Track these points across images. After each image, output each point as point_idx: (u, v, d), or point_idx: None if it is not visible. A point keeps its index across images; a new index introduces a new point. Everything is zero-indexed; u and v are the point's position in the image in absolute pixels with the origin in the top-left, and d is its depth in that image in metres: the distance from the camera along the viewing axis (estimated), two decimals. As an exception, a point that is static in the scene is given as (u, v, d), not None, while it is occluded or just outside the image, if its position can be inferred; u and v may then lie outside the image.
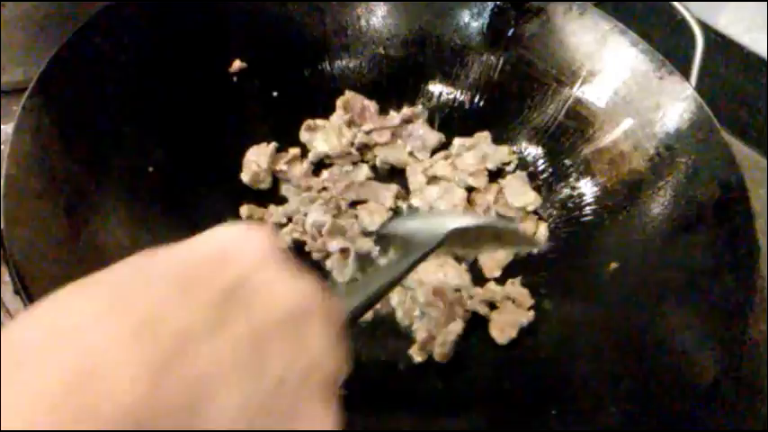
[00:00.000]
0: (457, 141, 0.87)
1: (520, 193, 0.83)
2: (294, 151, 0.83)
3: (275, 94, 0.87)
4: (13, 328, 0.26)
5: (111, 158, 0.72)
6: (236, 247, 0.31)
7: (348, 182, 0.81)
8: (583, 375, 0.67)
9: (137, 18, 0.77)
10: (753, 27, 1.08)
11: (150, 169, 0.75)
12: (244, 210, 0.79)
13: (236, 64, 0.84)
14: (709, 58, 0.81)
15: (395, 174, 0.86)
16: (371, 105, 0.87)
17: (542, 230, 0.81)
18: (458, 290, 0.75)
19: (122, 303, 0.27)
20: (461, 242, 0.66)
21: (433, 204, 0.82)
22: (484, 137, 0.87)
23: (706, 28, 0.84)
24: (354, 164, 0.84)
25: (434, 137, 0.87)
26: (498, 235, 0.69)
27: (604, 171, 0.81)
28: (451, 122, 0.90)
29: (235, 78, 0.85)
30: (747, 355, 0.77)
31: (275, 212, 0.79)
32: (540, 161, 0.86)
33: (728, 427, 0.73)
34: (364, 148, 0.86)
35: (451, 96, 0.91)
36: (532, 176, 0.85)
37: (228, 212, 0.78)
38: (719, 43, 1.09)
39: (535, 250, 0.79)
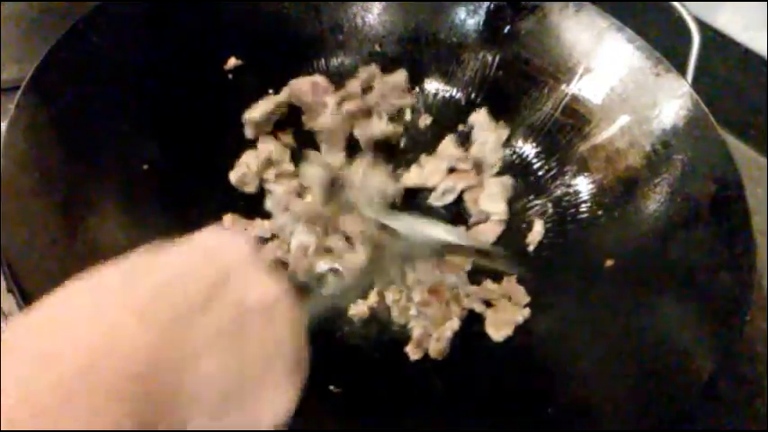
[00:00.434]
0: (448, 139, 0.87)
1: (493, 200, 0.82)
2: (287, 167, 0.82)
3: (271, 91, 0.87)
4: (47, 302, 0.33)
5: (106, 156, 0.72)
6: (222, 248, 0.39)
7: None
8: (579, 373, 0.67)
9: (132, 15, 0.77)
10: (750, 25, 1.08)
11: (145, 167, 0.75)
12: (227, 219, 0.77)
13: (232, 61, 0.84)
14: (706, 56, 0.81)
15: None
16: (319, 79, 0.86)
17: (538, 227, 0.81)
18: (454, 288, 0.75)
19: (132, 286, 0.34)
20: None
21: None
22: (482, 113, 0.87)
23: (703, 25, 0.84)
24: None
25: (401, 76, 0.86)
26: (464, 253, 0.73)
27: (600, 168, 0.81)
28: (447, 120, 0.90)
29: (230, 75, 0.84)
30: (746, 353, 0.78)
31: (260, 226, 0.78)
32: (537, 158, 0.86)
33: (728, 426, 0.73)
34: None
35: (447, 94, 0.91)
36: (528, 174, 0.85)
37: (223, 210, 0.78)
38: (716, 41, 1.09)
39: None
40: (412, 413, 0.67)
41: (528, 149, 0.86)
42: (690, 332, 0.65)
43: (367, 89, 0.87)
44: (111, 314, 0.32)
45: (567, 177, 0.83)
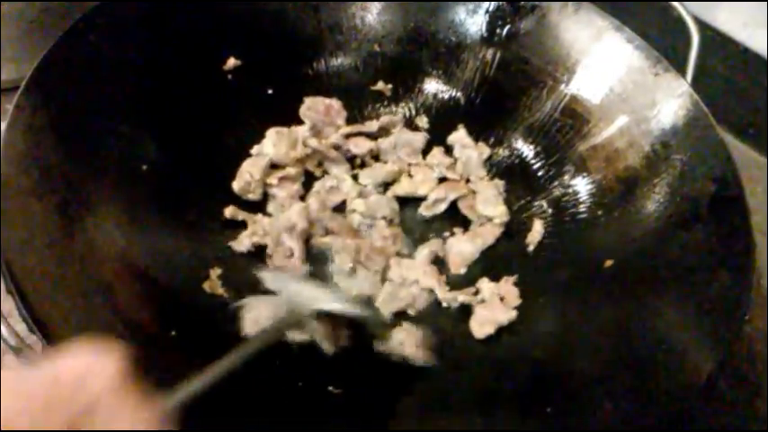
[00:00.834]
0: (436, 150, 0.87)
1: (491, 204, 0.83)
2: (290, 171, 0.82)
3: (270, 91, 0.87)
4: None
5: (105, 157, 0.72)
6: (93, 373, 0.36)
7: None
8: (578, 373, 0.67)
9: (131, 16, 0.77)
10: (750, 24, 1.08)
11: (144, 168, 0.75)
12: (228, 211, 0.78)
13: (231, 61, 0.84)
14: (706, 55, 0.81)
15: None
16: (335, 103, 0.87)
17: (537, 228, 0.81)
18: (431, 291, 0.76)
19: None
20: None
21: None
22: (461, 130, 0.88)
23: (702, 25, 0.84)
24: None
25: (420, 138, 0.87)
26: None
27: (600, 168, 0.81)
28: (446, 120, 0.90)
29: (230, 76, 0.84)
30: (745, 353, 0.78)
31: (260, 222, 0.78)
32: (536, 159, 0.86)
33: (727, 426, 0.73)
34: (341, 149, 0.85)
35: (447, 94, 0.91)
36: (527, 174, 0.85)
37: (221, 209, 0.78)
38: (716, 40, 1.09)
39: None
40: (411, 413, 0.67)
41: (527, 150, 0.86)
42: (689, 332, 0.65)
43: (382, 131, 0.87)
44: None
45: (566, 177, 0.83)
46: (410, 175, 0.86)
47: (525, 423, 0.65)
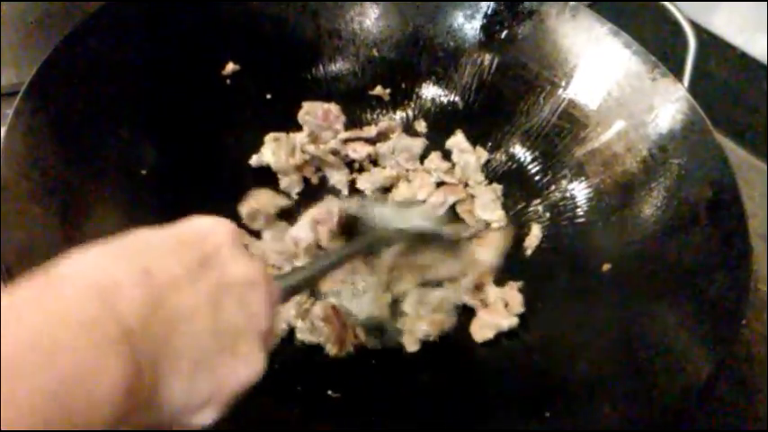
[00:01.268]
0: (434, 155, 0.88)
1: (489, 208, 0.83)
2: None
3: (269, 96, 0.87)
4: (57, 263, 0.36)
5: (104, 161, 0.72)
6: (211, 229, 0.43)
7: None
8: (577, 376, 0.67)
9: (130, 21, 0.78)
10: (747, 28, 1.09)
11: (144, 172, 0.75)
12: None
13: (230, 66, 0.84)
14: (703, 60, 0.81)
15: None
16: (333, 108, 0.87)
17: (535, 232, 0.81)
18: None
19: (134, 255, 0.38)
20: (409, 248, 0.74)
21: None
22: (459, 135, 0.88)
23: (699, 29, 0.85)
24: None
25: (418, 143, 0.88)
26: (444, 248, 0.75)
27: (597, 173, 0.81)
28: (444, 125, 0.90)
29: (228, 81, 0.85)
30: (744, 355, 0.78)
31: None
32: (533, 163, 0.86)
33: (726, 427, 0.73)
34: (339, 155, 0.86)
35: (445, 99, 0.91)
36: (525, 178, 0.86)
37: (220, 214, 0.78)
38: (713, 44, 1.09)
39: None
40: (411, 416, 0.67)
41: (525, 154, 0.87)
42: (687, 334, 0.65)
43: (381, 137, 0.88)
44: (112, 272, 0.36)
45: (563, 182, 0.83)
46: (408, 181, 0.86)
47: (525, 426, 0.65)
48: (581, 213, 0.81)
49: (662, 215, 0.74)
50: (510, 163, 0.87)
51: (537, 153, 0.86)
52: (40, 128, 0.66)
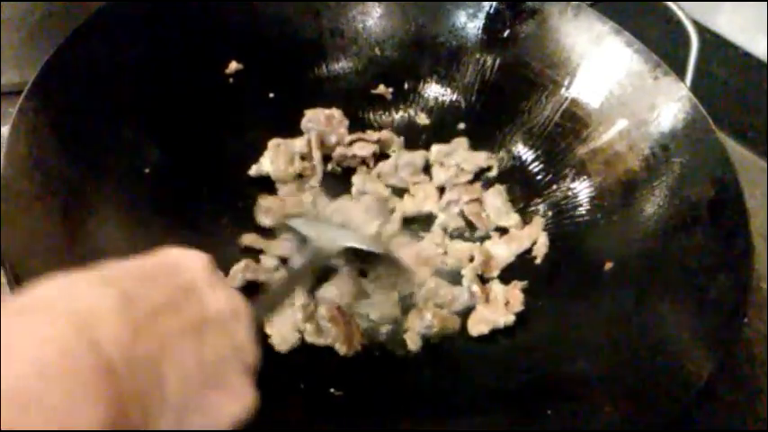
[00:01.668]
0: (435, 148, 0.87)
1: (503, 213, 0.83)
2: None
3: (272, 95, 0.87)
4: (30, 290, 0.34)
5: (107, 160, 0.72)
6: (186, 261, 0.42)
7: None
8: (579, 375, 0.67)
9: (133, 20, 0.78)
10: (749, 27, 1.09)
11: (146, 171, 0.75)
12: (246, 239, 0.77)
13: (233, 65, 0.85)
14: (705, 59, 0.81)
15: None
16: (335, 112, 0.86)
17: (543, 240, 0.81)
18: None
19: (112, 282, 0.35)
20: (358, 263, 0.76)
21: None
22: (461, 142, 0.88)
23: (701, 28, 0.84)
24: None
25: (419, 157, 0.87)
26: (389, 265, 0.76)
27: (600, 171, 0.81)
28: (447, 124, 0.90)
29: (231, 80, 0.85)
30: (744, 355, 0.78)
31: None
32: (536, 162, 0.86)
33: (726, 427, 0.73)
34: (345, 160, 0.86)
35: (447, 98, 0.91)
36: (527, 177, 0.86)
37: (222, 214, 0.79)
38: (715, 44, 1.09)
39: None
40: (412, 414, 0.67)
41: (527, 153, 0.87)
42: (688, 334, 0.65)
43: (381, 144, 0.87)
44: (89, 300, 0.34)
45: (566, 181, 0.83)
46: (411, 195, 0.85)
47: (526, 424, 0.65)
48: (583, 212, 0.81)
49: (664, 214, 0.74)
50: (512, 162, 0.87)
51: (539, 152, 0.86)
52: (42, 127, 0.66)
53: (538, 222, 0.82)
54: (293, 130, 0.85)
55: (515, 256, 0.80)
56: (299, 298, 0.72)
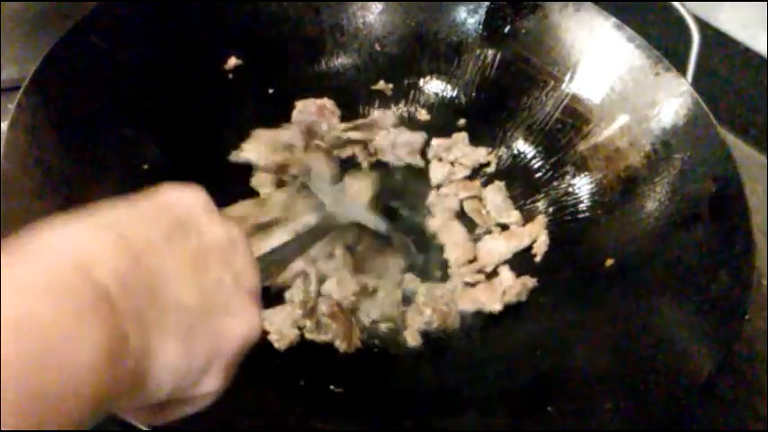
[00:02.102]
0: (434, 142, 0.87)
1: (503, 210, 0.83)
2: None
3: (271, 91, 0.87)
4: (27, 234, 0.34)
5: (106, 156, 0.72)
6: (182, 196, 0.42)
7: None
8: (578, 372, 0.67)
9: (132, 15, 0.77)
10: (750, 24, 1.08)
11: (145, 167, 0.75)
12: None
13: (232, 61, 0.84)
14: (706, 55, 0.81)
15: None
16: (327, 102, 0.86)
17: (543, 238, 0.81)
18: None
19: (109, 225, 0.36)
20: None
21: None
22: (461, 137, 0.88)
23: (703, 24, 0.84)
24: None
25: (419, 138, 0.87)
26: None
27: (600, 167, 0.81)
28: (447, 120, 0.90)
29: (230, 75, 0.85)
30: (745, 353, 0.78)
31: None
32: (536, 158, 0.86)
33: (727, 426, 0.73)
34: (338, 146, 0.86)
35: (447, 94, 0.91)
36: (528, 174, 0.86)
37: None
38: (716, 40, 1.09)
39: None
40: (412, 412, 0.67)
41: (527, 149, 0.87)
42: (689, 331, 0.65)
43: (375, 127, 0.88)
44: (84, 241, 0.34)
45: (566, 177, 0.83)
46: None
47: (526, 422, 0.65)
48: (584, 208, 0.81)
49: (665, 210, 0.74)
50: (512, 158, 0.87)
51: (540, 148, 0.86)
52: (41, 123, 0.66)
53: (540, 221, 0.81)
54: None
55: (513, 254, 0.80)
56: (299, 294, 0.72)
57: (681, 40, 0.81)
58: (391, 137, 0.86)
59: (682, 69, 0.79)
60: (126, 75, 0.76)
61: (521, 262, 0.80)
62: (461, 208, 0.84)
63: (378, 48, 0.91)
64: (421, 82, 0.92)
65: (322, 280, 0.74)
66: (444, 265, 0.80)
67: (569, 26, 0.85)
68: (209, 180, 0.77)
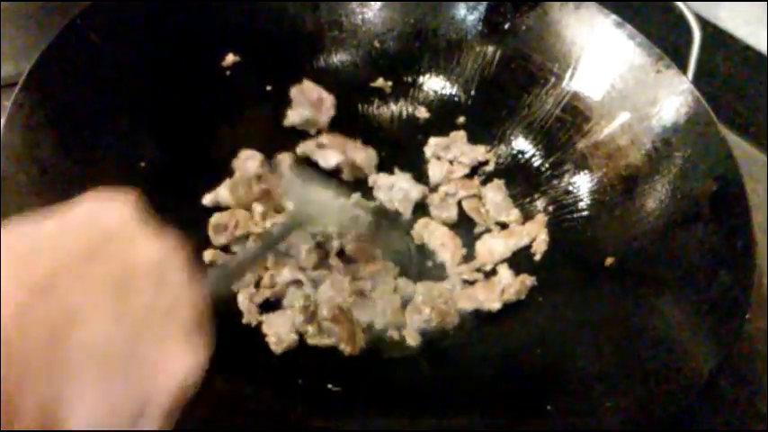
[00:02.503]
0: (432, 141, 0.87)
1: (503, 208, 0.83)
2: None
3: (269, 88, 0.87)
4: None
5: (103, 153, 0.72)
6: (106, 207, 0.37)
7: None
8: (578, 371, 0.67)
9: (129, 12, 0.77)
10: (751, 21, 1.08)
11: (142, 164, 0.75)
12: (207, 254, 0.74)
13: (230, 58, 0.84)
14: (707, 52, 0.81)
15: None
16: (327, 96, 0.85)
17: (543, 236, 0.80)
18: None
19: (10, 241, 0.32)
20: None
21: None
22: (460, 136, 0.87)
23: (704, 22, 0.84)
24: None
25: (416, 192, 0.83)
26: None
27: (601, 165, 0.80)
28: (446, 118, 0.89)
29: (228, 72, 0.84)
30: (746, 352, 0.77)
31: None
32: (536, 156, 0.85)
33: (728, 425, 0.73)
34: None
35: (447, 91, 0.91)
36: (528, 172, 0.85)
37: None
38: (717, 37, 1.08)
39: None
40: (410, 411, 0.66)
41: (527, 147, 0.86)
42: (690, 330, 0.65)
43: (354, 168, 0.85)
44: None
45: (566, 175, 0.83)
46: None
47: (526, 421, 0.64)
48: (584, 207, 0.80)
49: (665, 209, 0.73)
50: (512, 156, 0.87)
51: (540, 146, 0.85)
52: (38, 120, 0.66)
53: (540, 220, 0.81)
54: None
55: (512, 252, 0.80)
56: (299, 299, 0.71)
57: (682, 37, 0.81)
58: (392, 180, 0.84)
59: (682, 67, 0.78)
60: (123, 71, 0.76)
61: (520, 260, 0.79)
62: (460, 207, 0.84)
63: (377, 45, 0.90)
64: (420, 79, 0.91)
65: (315, 286, 0.74)
66: (442, 264, 0.79)
67: (570, 23, 0.84)
68: (206, 177, 0.78)
